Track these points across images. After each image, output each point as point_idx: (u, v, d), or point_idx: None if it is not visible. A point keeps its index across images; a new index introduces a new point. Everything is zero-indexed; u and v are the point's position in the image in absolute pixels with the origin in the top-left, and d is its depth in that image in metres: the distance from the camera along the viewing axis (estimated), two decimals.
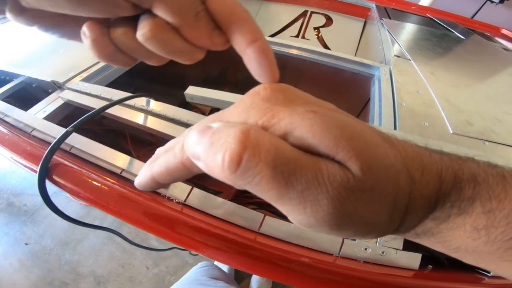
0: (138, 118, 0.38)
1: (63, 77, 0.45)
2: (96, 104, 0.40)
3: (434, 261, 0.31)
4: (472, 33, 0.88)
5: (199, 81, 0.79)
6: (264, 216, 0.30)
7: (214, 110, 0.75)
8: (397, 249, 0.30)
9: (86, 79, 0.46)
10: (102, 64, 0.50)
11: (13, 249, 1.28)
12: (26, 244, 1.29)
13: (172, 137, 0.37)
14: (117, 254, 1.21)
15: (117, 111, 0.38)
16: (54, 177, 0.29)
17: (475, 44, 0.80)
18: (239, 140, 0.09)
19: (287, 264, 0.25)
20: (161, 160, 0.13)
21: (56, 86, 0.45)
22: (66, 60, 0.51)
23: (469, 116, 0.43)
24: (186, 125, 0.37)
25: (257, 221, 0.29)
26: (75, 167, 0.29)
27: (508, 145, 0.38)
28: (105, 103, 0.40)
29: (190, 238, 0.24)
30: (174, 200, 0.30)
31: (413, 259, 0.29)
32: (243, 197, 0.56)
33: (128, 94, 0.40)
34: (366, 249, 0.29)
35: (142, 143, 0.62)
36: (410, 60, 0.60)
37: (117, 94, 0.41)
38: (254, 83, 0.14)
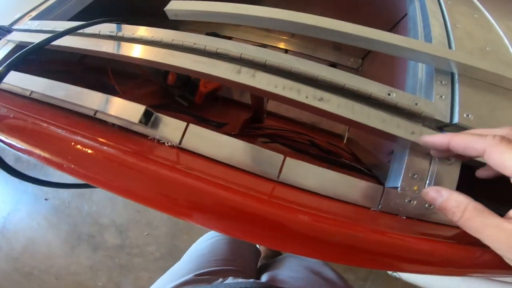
0: (106, 47, 0.28)
1: (7, 20, 0.39)
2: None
3: None
4: None
5: None
6: (285, 158, 0.23)
7: (210, 34, 0.62)
8: None
9: (36, 17, 0.39)
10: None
11: (35, 207, 1.33)
12: (46, 199, 1.34)
13: (155, 62, 0.27)
14: None
15: (76, 42, 0.29)
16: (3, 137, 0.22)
17: None
18: None
19: (310, 232, 0.19)
20: (466, 137, 0.18)
21: (3, 31, 0.39)
22: (8, 2, 0.44)
23: None
24: (172, 46, 0.27)
25: (276, 165, 0.23)
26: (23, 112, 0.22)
27: None
28: None
29: (187, 208, 0.18)
30: (166, 144, 0.24)
31: None
32: (251, 129, 0.49)
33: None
34: (410, 201, 0.24)
35: (128, 77, 0.55)
36: None
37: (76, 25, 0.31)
38: None
